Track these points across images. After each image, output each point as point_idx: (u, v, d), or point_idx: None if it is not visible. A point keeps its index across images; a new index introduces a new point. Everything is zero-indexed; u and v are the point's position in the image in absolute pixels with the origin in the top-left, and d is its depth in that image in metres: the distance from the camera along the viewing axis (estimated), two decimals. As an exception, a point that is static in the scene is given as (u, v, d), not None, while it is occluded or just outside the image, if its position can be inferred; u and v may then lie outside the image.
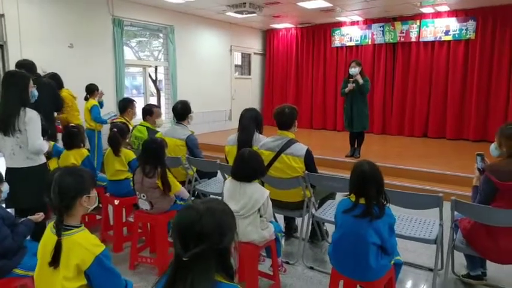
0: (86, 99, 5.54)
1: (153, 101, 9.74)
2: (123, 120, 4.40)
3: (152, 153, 2.93)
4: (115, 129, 3.50)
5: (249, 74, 10.61)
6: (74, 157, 3.58)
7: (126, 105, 4.55)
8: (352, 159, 6.00)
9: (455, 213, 2.56)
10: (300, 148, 3.07)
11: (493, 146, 2.54)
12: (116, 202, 3.42)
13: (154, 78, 11.72)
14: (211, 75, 9.12)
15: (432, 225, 2.80)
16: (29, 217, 2.28)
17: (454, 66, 7.96)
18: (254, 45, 10.52)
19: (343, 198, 2.13)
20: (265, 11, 7.78)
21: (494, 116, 7.56)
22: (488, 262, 2.77)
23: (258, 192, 2.42)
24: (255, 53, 10.59)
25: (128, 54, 7.36)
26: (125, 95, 6.81)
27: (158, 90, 11.44)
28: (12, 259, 2.06)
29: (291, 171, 3.05)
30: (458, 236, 2.63)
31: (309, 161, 3.07)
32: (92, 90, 5.59)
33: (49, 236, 1.59)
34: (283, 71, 10.38)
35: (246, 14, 7.65)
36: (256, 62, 10.76)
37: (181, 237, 1.10)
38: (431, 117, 8.35)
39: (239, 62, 10.41)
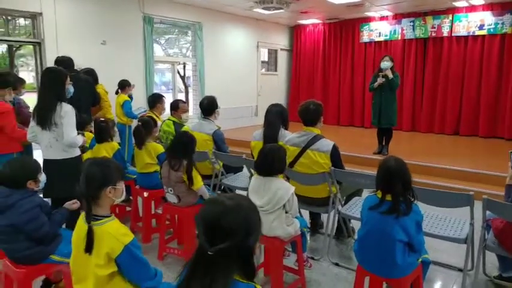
0: (117, 93, 5.71)
1: (181, 97, 9.93)
2: (151, 115, 4.52)
3: (181, 146, 3.00)
4: (139, 123, 3.61)
5: (276, 70, 10.61)
6: (106, 150, 3.72)
7: (155, 100, 4.67)
8: (380, 156, 5.90)
9: (487, 212, 2.48)
10: (326, 144, 3.06)
11: (528, 144, 2.45)
12: (145, 194, 3.52)
13: (182, 75, 11.93)
14: (238, 72, 9.18)
15: (462, 225, 2.74)
16: (64, 205, 2.39)
17: (488, 62, 7.66)
18: (281, 41, 10.50)
19: (369, 195, 2.12)
20: (292, 7, 7.74)
21: (531, 114, 7.24)
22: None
23: (283, 189, 2.43)
24: (281, 49, 10.57)
25: (157, 51, 7.54)
26: (154, 91, 6.97)
27: (186, 87, 11.63)
28: (49, 246, 2.17)
29: (317, 166, 3.05)
30: (490, 236, 2.56)
31: (335, 156, 3.06)
32: (123, 85, 5.77)
33: (81, 225, 1.67)
34: (310, 67, 10.30)
35: (273, 10, 7.65)
36: (282, 58, 10.73)
37: (207, 231, 1.11)
38: (463, 114, 8.08)
39: (266, 58, 10.42)
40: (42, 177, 2.28)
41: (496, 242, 2.49)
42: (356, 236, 3.45)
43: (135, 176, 3.86)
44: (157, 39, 8.72)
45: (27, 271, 2.10)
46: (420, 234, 2.02)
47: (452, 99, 8.15)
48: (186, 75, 11.84)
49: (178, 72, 10.06)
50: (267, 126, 3.53)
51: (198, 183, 3.01)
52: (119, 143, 4.09)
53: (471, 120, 7.98)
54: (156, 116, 4.59)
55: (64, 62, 4.20)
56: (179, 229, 3.42)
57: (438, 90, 8.33)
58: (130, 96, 5.82)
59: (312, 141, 3.06)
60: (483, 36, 7.66)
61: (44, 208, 2.19)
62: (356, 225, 3.54)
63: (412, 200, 1.98)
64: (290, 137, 3.25)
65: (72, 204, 2.39)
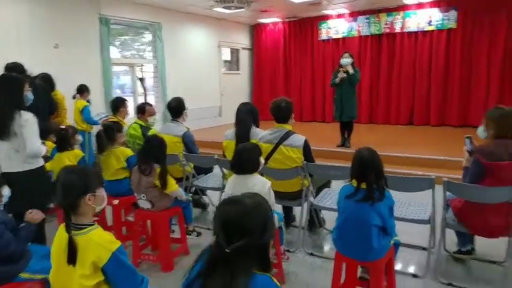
0: (74, 97, 5.52)
1: (141, 99, 9.72)
2: (116, 120, 4.43)
3: (153, 150, 2.97)
4: (101, 128, 3.53)
5: (238, 70, 10.67)
6: (69, 159, 3.56)
7: (118, 104, 4.54)
8: (343, 149, 6.16)
9: (447, 193, 2.70)
10: (298, 139, 3.18)
11: (480, 129, 2.70)
12: (116, 202, 3.40)
13: (140, 77, 11.65)
14: (200, 72, 9.15)
15: (425, 207, 2.96)
16: (25, 218, 2.25)
17: (437, 56, 8.18)
18: (242, 40, 10.57)
19: (344, 185, 2.24)
20: (253, 6, 7.83)
21: (476, 102, 7.84)
22: (476, 238, 2.94)
23: (259, 184, 2.49)
24: (243, 48, 10.65)
25: (113, 53, 7.33)
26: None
27: (145, 89, 11.39)
28: (18, 264, 2.06)
29: (290, 161, 3.16)
30: (449, 215, 2.78)
31: (307, 151, 3.19)
32: (82, 90, 5.59)
33: (62, 236, 1.61)
34: (271, 65, 10.47)
35: (234, 9, 7.70)
36: (244, 57, 10.82)
37: (225, 230, 1.15)
38: (416, 105, 8.58)
39: (228, 58, 10.44)
40: (6, 192, 2.17)
41: (456, 220, 2.72)
42: (327, 226, 3.64)
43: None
44: (112, 41, 8.47)
45: None
46: (392, 218, 2.17)
47: (406, 92, 8.63)
48: (144, 77, 11.60)
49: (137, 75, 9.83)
50: (238, 125, 3.59)
51: (172, 186, 3.00)
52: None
53: (423, 110, 8.50)
54: (120, 120, 4.50)
55: (15, 69, 3.98)
56: (153, 235, 3.38)
57: (393, 84, 8.78)
58: (89, 101, 5.65)
59: (284, 137, 3.17)
60: (432, 31, 8.17)
61: (8, 225, 2.08)
62: (327, 215, 3.71)
63: (385, 187, 2.13)
64: (263, 134, 3.33)
65: (33, 216, 2.26)
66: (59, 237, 1.65)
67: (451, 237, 3.04)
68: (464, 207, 2.66)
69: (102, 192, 1.71)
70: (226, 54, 10.38)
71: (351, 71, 5.87)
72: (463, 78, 7.93)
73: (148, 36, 8.36)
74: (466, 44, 7.83)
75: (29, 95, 2.87)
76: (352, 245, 2.15)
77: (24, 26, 5.80)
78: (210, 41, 9.48)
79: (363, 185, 2.13)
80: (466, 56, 7.86)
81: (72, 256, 1.55)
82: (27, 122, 2.65)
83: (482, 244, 3.00)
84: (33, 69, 5.08)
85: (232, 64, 10.67)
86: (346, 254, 2.20)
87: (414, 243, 3.24)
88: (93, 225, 1.65)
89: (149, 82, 9.55)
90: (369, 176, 2.10)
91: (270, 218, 1.23)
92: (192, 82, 8.78)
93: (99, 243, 1.58)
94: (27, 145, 2.65)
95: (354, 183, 2.17)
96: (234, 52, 10.60)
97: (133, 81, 8.24)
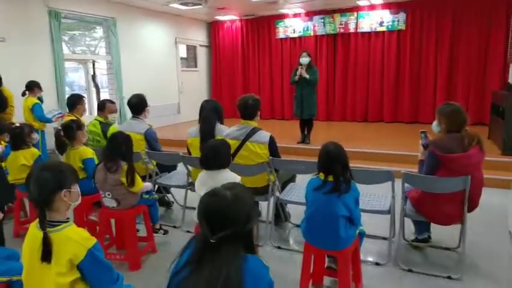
0: (23, 94, 5.21)
1: (94, 97, 9.33)
2: (73, 117, 4.24)
3: (119, 147, 2.89)
4: (59, 128, 3.40)
5: (196, 67, 10.54)
6: (25, 157, 3.44)
7: (75, 101, 4.38)
8: (303, 145, 6.30)
9: (405, 185, 2.87)
10: (264, 135, 3.23)
11: (434, 124, 2.88)
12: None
13: (92, 74, 11.17)
14: (157, 69, 8.94)
15: (385, 199, 3.12)
16: None
17: (389, 55, 8.60)
18: (199, 37, 10.45)
19: (312, 178, 2.31)
20: (210, 3, 7.78)
21: (425, 100, 8.34)
22: (432, 227, 3.16)
23: (230, 179, 2.50)
24: (200, 45, 10.53)
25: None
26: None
27: (97, 86, 10.94)
28: None
29: (256, 157, 3.20)
30: (407, 206, 2.95)
31: (273, 147, 3.24)
32: (32, 86, 5.27)
33: (35, 234, 1.56)
34: (229, 62, 10.45)
35: (191, 5, 7.61)
36: (202, 54, 10.70)
37: (209, 221, 1.21)
38: (370, 103, 8.96)
39: (185, 55, 10.28)
40: None
41: (413, 210, 2.90)
42: (292, 220, 3.73)
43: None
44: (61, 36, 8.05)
45: None
46: (358, 209, 2.27)
47: (361, 90, 8.98)
48: (96, 73, 11.15)
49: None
50: (202, 122, 3.56)
51: (139, 184, 2.94)
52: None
53: (377, 107, 8.90)
54: (77, 117, 4.31)
55: None
56: (118, 234, 3.29)
57: (348, 82, 9.11)
58: (41, 99, 5.35)
59: (250, 133, 3.20)
60: (383, 32, 8.57)
61: None
62: (292, 209, 3.79)
63: (350, 179, 2.22)
64: (229, 130, 3.34)
65: None
66: (30, 236, 1.59)
67: (409, 226, 3.23)
68: (420, 198, 2.83)
69: (77, 189, 1.66)
70: (183, 51, 10.22)
71: (306, 76, 5.99)
72: (413, 77, 8.40)
73: (99, 31, 8.03)
74: (415, 45, 8.30)
75: None
76: (320, 236, 2.22)
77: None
78: (167, 37, 9.29)
79: (330, 178, 2.21)
80: (416, 56, 8.33)
81: (47, 254, 1.50)
82: None
83: (437, 232, 3.22)
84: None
85: (190, 61, 10.53)
86: (315, 244, 2.28)
87: (375, 234, 3.40)
88: (67, 221, 1.61)
89: (101, 79, 9.20)
90: (336, 169, 2.18)
91: (252, 208, 1.28)
92: (149, 79, 8.55)
93: (75, 240, 1.54)
94: None
95: (321, 176, 2.25)
96: (191, 49, 10.45)
97: (86, 78, 7.88)
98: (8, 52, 5.82)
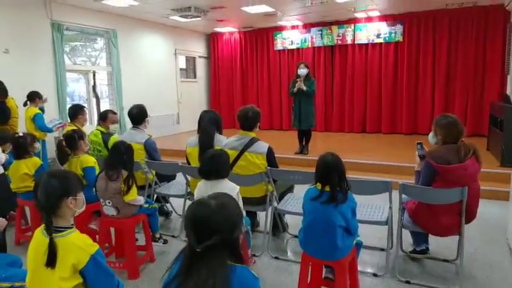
0: (25, 104, 5.26)
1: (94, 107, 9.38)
2: (74, 127, 4.28)
3: (120, 156, 2.93)
4: (61, 138, 3.43)
5: (195, 77, 10.64)
6: (27, 166, 3.48)
7: (77, 111, 4.42)
8: (301, 156, 6.33)
9: (403, 196, 2.89)
10: (262, 146, 3.26)
11: (430, 135, 2.92)
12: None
13: (92, 84, 11.25)
14: (156, 80, 9.02)
15: (382, 209, 3.13)
16: None
17: (386, 67, 8.70)
18: (198, 48, 10.57)
19: (309, 188, 2.34)
20: (209, 15, 7.88)
21: (423, 111, 8.41)
22: (430, 238, 3.17)
23: (228, 189, 2.52)
24: (199, 57, 10.64)
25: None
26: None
27: (97, 97, 11.01)
28: None
29: (254, 167, 3.23)
30: (405, 217, 2.97)
31: (271, 157, 3.28)
32: (33, 97, 5.32)
33: (40, 239, 1.60)
34: (228, 73, 10.55)
35: (190, 18, 7.70)
36: (201, 66, 10.81)
37: (195, 231, 1.23)
38: (368, 114, 9.02)
39: (184, 66, 10.38)
40: None
41: (411, 221, 2.91)
42: (290, 231, 3.74)
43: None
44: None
45: None
46: (355, 219, 2.29)
47: (358, 101, 9.06)
48: (96, 84, 11.23)
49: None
50: (201, 132, 3.59)
51: (133, 195, 2.94)
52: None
53: (375, 118, 8.96)
54: (78, 127, 4.35)
55: None
56: (118, 242, 3.30)
57: (346, 93, 9.18)
58: (42, 109, 5.40)
59: (248, 144, 3.24)
60: (380, 43, 8.68)
61: None
62: (289, 220, 3.81)
63: (348, 189, 2.25)
64: (228, 141, 3.38)
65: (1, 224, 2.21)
66: (36, 241, 1.63)
67: (407, 238, 3.24)
68: (417, 209, 2.85)
69: (82, 196, 1.72)
70: (183, 62, 10.32)
71: (304, 88, 6.04)
72: (410, 88, 8.48)
73: (100, 43, 8.11)
74: (412, 57, 8.40)
75: None
76: (318, 245, 2.24)
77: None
78: (166, 48, 9.40)
79: (327, 188, 2.23)
80: (413, 67, 8.42)
81: (52, 259, 1.54)
82: None
83: (435, 244, 3.25)
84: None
85: (189, 72, 10.62)
86: (312, 254, 2.29)
87: (373, 245, 3.41)
88: (71, 227, 1.65)
89: (101, 89, 9.24)
90: (333, 179, 2.21)
91: (238, 217, 1.30)
92: (148, 90, 8.63)
93: (78, 246, 1.59)
94: None
95: (318, 186, 2.27)
96: (190, 60, 10.56)
97: (87, 88, 7.94)
98: (11, 63, 5.91)
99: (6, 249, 2.78)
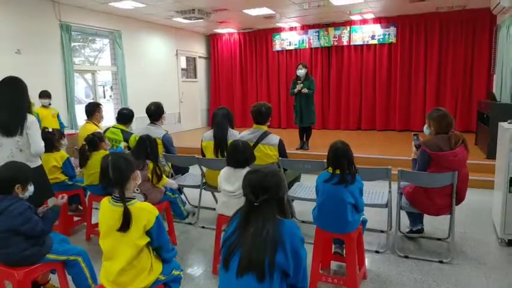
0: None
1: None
2: (91, 124, 4.55)
3: (146, 148, 3.26)
4: (83, 143, 3.70)
5: (195, 77, 10.93)
6: (55, 159, 3.75)
7: (94, 109, 4.68)
8: (302, 151, 6.68)
9: (401, 183, 3.25)
10: (274, 138, 3.60)
11: (425, 127, 3.28)
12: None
13: (91, 84, 11.51)
14: (158, 79, 9.30)
15: (382, 194, 3.49)
16: (54, 202, 2.51)
17: (380, 67, 9.10)
18: (199, 49, 10.87)
19: (322, 172, 2.68)
20: (211, 17, 8.19)
21: (415, 109, 8.82)
22: (424, 221, 3.54)
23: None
24: (200, 57, 10.93)
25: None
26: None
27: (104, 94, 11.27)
28: (45, 246, 2.27)
29: (267, 158, 3.56)
30: (403, 200, 3.32)
31: (282, 148, 3.62)
32: (45, 96, 5.67)
33: (110, 208, 1.95)
34: (228, 74, 10.86)
35: (194, 19, 8.01)
36: (201, 66, 11.10)
37: (253, 189, 1.62)
38: (363, 112, 9.41)
39: (185, 66, 10.67)
40: (31, 189, 2.33)
41: (408, 203, 3.27)
42: (297, 216, 4.07)
43: (83, 185, 3.91)
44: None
45: (27, 271, 2.19)
46: (362, 198, 2.63)
47: (354, 99, 9.44)
48: (98, 84, 11.48)
49: (86, 81, 9.75)
50: (216, 127, 3.89)
51: (164, 179, 3.32)
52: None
53: (370, 116, 9.35)
54: (95, 124, 4.63)
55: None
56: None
57: (342, 92, 9.57)
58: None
59: (262, 136, 3.57)
60: (375, 45, 9.08)
61: (32, 209, 2.28)
62: (297, 207, 4.14)
63: (355, 172, 2.59)
64: (243, 134, 3.70)
65: (61, 199, 2.52)
66: (105, 210, 1.99)
67: (404, 221, 3.59)
68: (414, 192, 3.20)
69: (138, 173, 2.08)
70: (183, 63, 10.61)
71: (305, 91, 6.39)
72: (403, 87, 8.90)
73: (99, 43, 8.38)
74: (405, 57, 8.82)
75: None
76: (330, 220, 2.57)
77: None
78: (168, 49, 9.68)
79: (337, 171, 2.57)
80: (406, 67, 8.85)
81: (127, 223, 1.87)
82: (33, 124, 2.86)
83: (429, 227, 3.63)
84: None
85: (189, 72, 10.91)
86: (325, 228, 2.63)
87: (374, 227, 3.76)
88: (134, 198, 1.99)
89: (99, 89, 9.50)
90: (343, 164, 2.54)
91: (282, 180, 1.71)
92: (151, 89, 8.87)
93: (147, 210, 1.96)
94: (34, 145, 2.85)
95: (330, 170, 2.61)
96: (191, 60, 10.85)
97: (94, 88, 8.21)
98: (23, 63, 6.14)
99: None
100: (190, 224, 4.06)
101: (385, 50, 9.02)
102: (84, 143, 3.72)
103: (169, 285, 2.12)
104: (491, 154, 5.61)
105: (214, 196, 4.44)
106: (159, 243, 2.01)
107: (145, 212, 1.93)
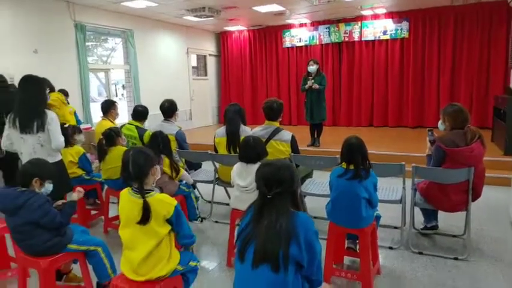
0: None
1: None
2: (106, 121, 4.62)
3: (158, 144, 3.32)
4: (101, 137, 3.77)
5: (206, 75, 10.97)
6: (71, 154, 3.84)
7: (109, 106, 4.75)
8: (313, 148, 6.66)
9: (415, 179, 3.22)
10: (286, 134, 3.61)
11: (439, 123, 3.25)
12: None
13: (104, 82, 11.65)
14: (170, 77, 9.36)
15: (396, 190, 3.47)
16: (73, 195, 2.60)
17: (392, 63, 9.00)
18: (209, 47, 10.90)
19: (335, 167, 2.67)
20: (222, 15, 8.20)
21: (429, 105, 8.71)
22: (439, 218, 3.51)
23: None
24: (210, 55, 10.97)
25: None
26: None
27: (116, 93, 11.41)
28: (65, 237, 2.35)
29: (280, 154, 3.57)
30: (417, 196, 3.30)
31: (294, 144, 3.63)
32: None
33: (131, 200, 2.01)
34: (238, 71, 10.87)
35: (204, 17, 8.03)
36: (211, 63, 11.14)
37: (266, 182, 1.64)
38: (375, 108, 9.32)
39: (195, 64, 10.72)
40: (48, 187, 2.38)
41: (422, 199, 3.25)
42: (309, 212, 4.07)
43: (101, 179, 3.99)
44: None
45: (52, 260, 2.29)
46: (376, 193, 2.62)
47: (366, 96, 9.37)
48: (111, 82, 11.62)
49: (100, 80, 9.86)
50: (228, 123, 3.92)
51: (182, 171, 3.42)
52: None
53: (382, 113, 9.27)
54: (111, 121, 4.70)
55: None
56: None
57: (353, 88, 9.49)
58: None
59: (274, 132, 3.59)
60: (387, 40, 8.98)
61: (50, 202, 2.35)
62: (308, 203, 4.13)
63: (370, 167, 2.58)
64: (254, 130, 3.72)
65: (79, 192, 2.61)
66: (124, 200, 2.06)
67: (418, 218, 3.56)
68: (428, 188, 3.18)
69: (158, 167, 2.13)
70: (194, 61, 10.66)
71: (316, 86, 6.37)
72: (416, 83, 8.79)
73: (111, 42, 8.47)
74: (418, 52, 8.69)
75: None
76: (345, 215, 2.57)
77: (5, 32, 5.87)
78: (179, 47, 9.73)
79: (351, 167, 2.56)
80: (419, 63, 8.72)
81: (147, 215, 1.93)
82: (53, 120, 2.95)
83: (444, 223, 3.59)
84: (14, 74, 5.21)
85: (200, 70, 10.96)
86: (339, 223, 2.63)
87: (388, 224, 3.74)
88: (153, 190, 2.05)
89: (112, 87, 9.62)
90: (356, 159, 2.54)
91: (296, 174, 1.71)
92: (162, 87, 8.94)
93: (166, 201, 2.03)
94: (54, 140, 2.95)
95: (344, 165, 2.61)
96: (201, 58, 10.89)
97: (107, 86, 8.32)
98: (39, 62, 6.25)
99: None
100: (204, 218, 4.09)
101: (397, 45, 8.91)
102: (101, 137, 3.79)
103: (186, 276, 2.19)
104: (508, 150, 5.52)
105: (226, 191, 4.48)
106: (179, 230, 2.09)
107: (163, 204, 2.01)
